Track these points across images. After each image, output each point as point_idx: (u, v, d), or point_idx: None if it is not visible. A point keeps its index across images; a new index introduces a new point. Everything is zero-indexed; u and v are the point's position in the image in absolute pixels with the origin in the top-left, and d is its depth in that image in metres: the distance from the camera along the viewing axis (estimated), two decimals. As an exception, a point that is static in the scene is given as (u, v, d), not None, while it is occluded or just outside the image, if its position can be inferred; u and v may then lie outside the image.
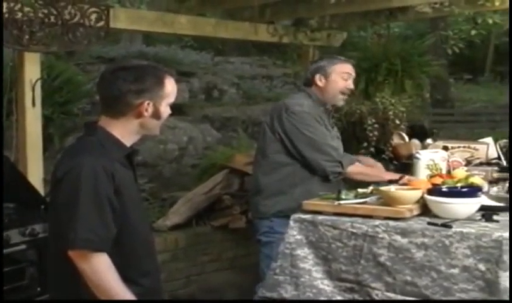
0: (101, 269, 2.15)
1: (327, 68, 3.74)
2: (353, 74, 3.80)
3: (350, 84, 3.76)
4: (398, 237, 2.70)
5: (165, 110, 2.34)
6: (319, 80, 3.74)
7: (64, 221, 2.16)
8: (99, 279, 2.15)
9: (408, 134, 4.60)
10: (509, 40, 9.60)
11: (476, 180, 3.22)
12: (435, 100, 12.83)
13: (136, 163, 2.45)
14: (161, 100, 2.31)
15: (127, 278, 2.20)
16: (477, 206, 2.80)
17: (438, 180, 3.15)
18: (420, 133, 4.53)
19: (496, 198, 3.12)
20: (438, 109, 13.31)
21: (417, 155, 3.41)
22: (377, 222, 2.78)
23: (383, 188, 3.02)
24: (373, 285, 2.75)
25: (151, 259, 2.41)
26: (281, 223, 3.56)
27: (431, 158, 3.38)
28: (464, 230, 2.61)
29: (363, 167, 3.72)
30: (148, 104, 2.27)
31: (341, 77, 3.73)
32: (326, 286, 2.87)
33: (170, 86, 2.34)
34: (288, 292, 2.92)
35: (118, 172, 2.22)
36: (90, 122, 2.37)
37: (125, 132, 2.31)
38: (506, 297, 2.45)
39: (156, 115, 2.31)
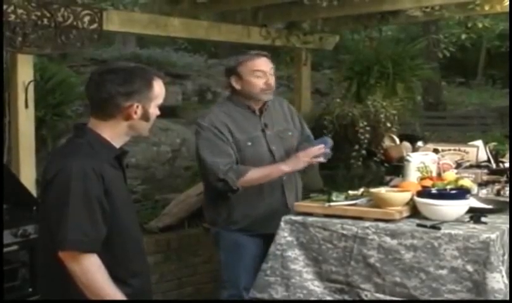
0: (91, 270, 2.15)
1: (238, 69, 3.43)
2: (268, 67, 3.45)
3: (269, 80, 3.43)
4: (388, 239, 2.73)
5: (154, 112, 2.35)
6: (236, 83, 3.45)
7: (54, 222, 2.17)
8: (89, 280, 2.15)
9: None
10: (509, 41, 9.62)
11: (466, 182, 3.25)
12: (427, 103, 12.87)
13: (128, 164, 2.46)
14: (150, 102, 2.32)
15: (117, 278, 2.21)
16: (465, 208, 2.84)
17: (428, 183, 3.19)
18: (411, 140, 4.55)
19: (485, 200, 3.16)
20: (430, 112, 13.34)
21: (408, 158, 3.43)
22: (367, 224, 2.81)
23: (373, 190, 3.05)
24: (362, 286, 2.78)
25: (141, 260, 2.42)
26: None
27: (421, 160, 3.40)
28: (453, 232, 2.64)
29: (254, 172, 3.33)
30: (137, 106, 2.28)
31: (254, 76, 3.40)
32: (316, 287, 2.89)
33: (158, 88, 2.34)
34: (279, 293, 2.95)
35: (107, 173, 2.23)
36: (79, 124, 2.38)
37: (114, 133, 2.31)
38: (493, 298, 2.49)
39: (145, 116, 2.32)
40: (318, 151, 3.32)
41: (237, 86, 3.46)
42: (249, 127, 3.46)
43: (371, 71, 5.84)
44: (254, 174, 3.33)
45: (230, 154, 3.37)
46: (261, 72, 3.42)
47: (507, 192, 3.32)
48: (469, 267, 2.58)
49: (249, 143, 3.42)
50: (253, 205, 3.42)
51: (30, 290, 3.48)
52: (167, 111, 2.42)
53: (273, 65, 3.50)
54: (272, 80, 3.46)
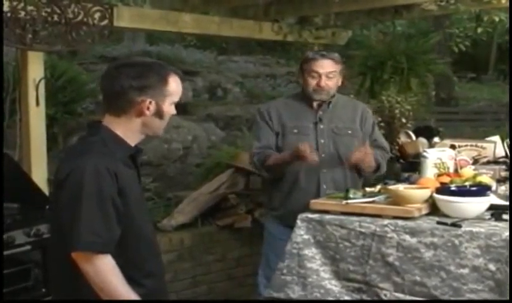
0: (105, 271, 2.11)
1: (303, 65, 3.65)
2: (325, 69, 3.56)
3: (321, 82, 3.55)
4: (407, 237, 2.68)
5: (168, 109, 2.28)
6: (299, 78, 3.74)
7: (67, 222, 2.13)
8: (103, 281, 2.11)
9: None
10: (509, 40, 9.55)
11: (484, 179, 3.19)
12: (439, 98, 12.79)
13: (140, 162, 2.40)
14: (164, 98, 2.25)
15: (130, 279, 2.17)
16: (486, 205, 2.78)
17: (446, 179, 3.13)
18: (426, 132, 4.48)
19: (505, 197, 3.08)
20: (442, 107, 13.28)
21: (424, 154, 3.38)
22: (386, 221, 2.75)
23: (391, 187, 3.00)
24: (381, 285, 2.72)
25: (155, 260, 2.37)
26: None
27: (438, 156, 3.34)
28: (474, 230, 2.58)
29: (272, 158, 3.56)
30: (150, 102, 2.22)
31: (310, 76, 3.58)
32: (334, 287, 2.84)
33: (174, 85, 2.28)
34: (295, 292, 2.90)
35: (121, 172, 2.18)
36: (93, 122, 2.33)
37: (128, 131, 2.26)
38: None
39: (159, 113, 2.26)
40: (308, 150, 3.36)
41: (300, 81, 3.73)
42: (302, 118, 3.65)
43: (384, 66, 5.78)
44: (272, 160, 3.55)
45: (267, 139, 3.62)
46: (316, 73, 3.57)
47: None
48: (492, 266, 2.52)
49: (295, 130, 3.61)
50: (288, 194, 3.58)
51: (44, 290, 3.46)
52: (178, 108, 2.36)
53: (335, 69, 3.59)
54: (325, 82, 3.56)
